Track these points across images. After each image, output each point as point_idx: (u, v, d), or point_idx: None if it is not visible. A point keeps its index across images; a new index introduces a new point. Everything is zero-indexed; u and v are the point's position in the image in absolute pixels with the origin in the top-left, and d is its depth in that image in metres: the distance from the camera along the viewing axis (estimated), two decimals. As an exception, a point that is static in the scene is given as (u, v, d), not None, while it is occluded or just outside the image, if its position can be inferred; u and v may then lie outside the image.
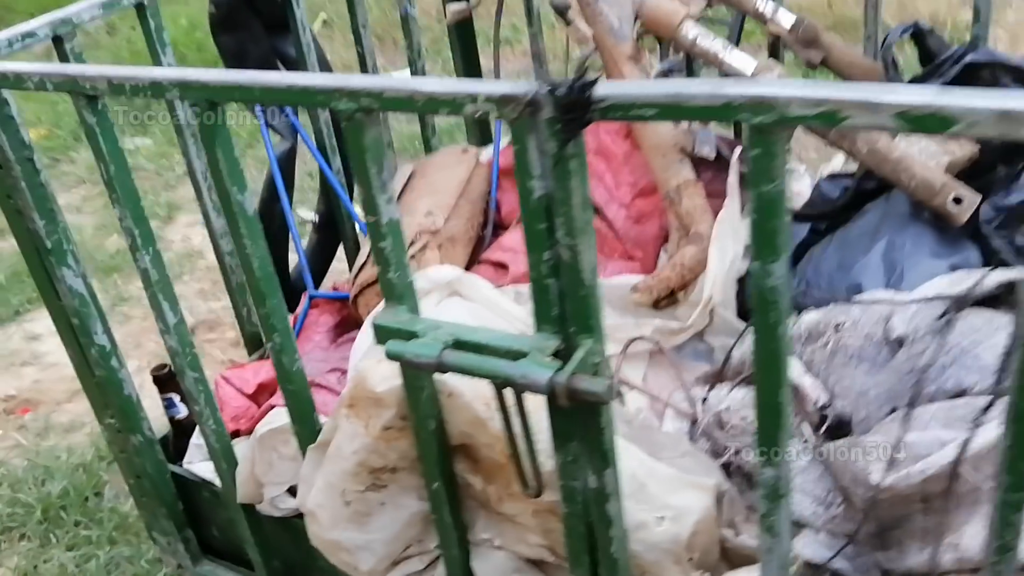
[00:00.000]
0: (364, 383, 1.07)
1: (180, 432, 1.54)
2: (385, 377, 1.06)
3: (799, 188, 1.77)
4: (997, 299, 1.14)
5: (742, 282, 1.57)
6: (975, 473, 0.94)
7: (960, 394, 1.04)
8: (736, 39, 1.92)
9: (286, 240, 1.84)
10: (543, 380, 0.83)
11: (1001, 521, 0.76)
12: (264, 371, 1.60)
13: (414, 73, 1.96)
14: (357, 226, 1.91)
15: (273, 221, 1.80)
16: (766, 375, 0.80)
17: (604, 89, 0.74)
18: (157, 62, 1.45)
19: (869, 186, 1.58)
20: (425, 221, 1.65)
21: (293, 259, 1.92)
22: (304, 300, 1.76)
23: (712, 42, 1.49)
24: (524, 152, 0.80)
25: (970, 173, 1.52)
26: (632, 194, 1.73)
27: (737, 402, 1.23)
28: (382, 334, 0.95)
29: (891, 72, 1.60)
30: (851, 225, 1.54)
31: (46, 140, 4.05)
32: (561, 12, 1.61)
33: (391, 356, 0.92)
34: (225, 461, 1.31)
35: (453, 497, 1.11)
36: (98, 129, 1.08)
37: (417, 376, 1.01)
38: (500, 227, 1.82)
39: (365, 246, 1.73)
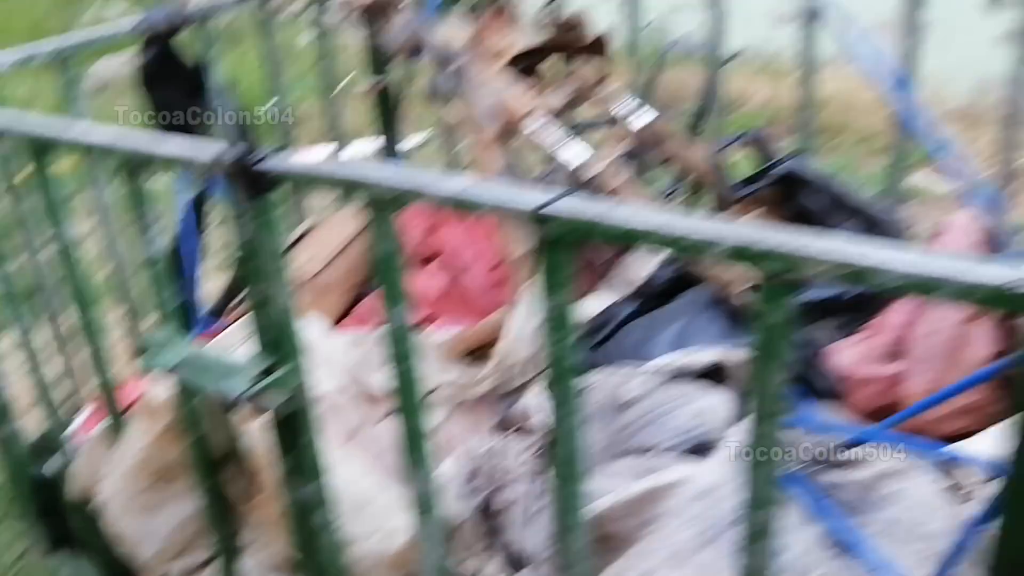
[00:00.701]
0: (150, 392, 1.25)
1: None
2: (167, 389, 1.24)
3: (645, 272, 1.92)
4: (714, 373, 1.29)
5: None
6: (622, 520, 1.09)
7: (648, 450, 1.19)
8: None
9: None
10: (233, 393, 1.01)
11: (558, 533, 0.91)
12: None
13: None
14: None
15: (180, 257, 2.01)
16: (403, 402, 0.97)
17: (269, 163, 0.93)
18: (69, 111, 1.69)
19: (695, 273, 1.74)
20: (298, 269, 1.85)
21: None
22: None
23: (548, 136, 1.68)
24: (227, 203, 1.00)
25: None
26: (498, 260, 1.91)
27: (497, 449, 1.38)
28: (145, 348, 1.14)
29: (721, 173, 1.78)
30: (667, 307, 1.70)
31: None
32: (437, 97, 1.82)
33: (143, 366, 1.11)
34: (63, 458, 1.50)
35: (219, 500, 1.28)
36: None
37: (186, 390, 1.20)
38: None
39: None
